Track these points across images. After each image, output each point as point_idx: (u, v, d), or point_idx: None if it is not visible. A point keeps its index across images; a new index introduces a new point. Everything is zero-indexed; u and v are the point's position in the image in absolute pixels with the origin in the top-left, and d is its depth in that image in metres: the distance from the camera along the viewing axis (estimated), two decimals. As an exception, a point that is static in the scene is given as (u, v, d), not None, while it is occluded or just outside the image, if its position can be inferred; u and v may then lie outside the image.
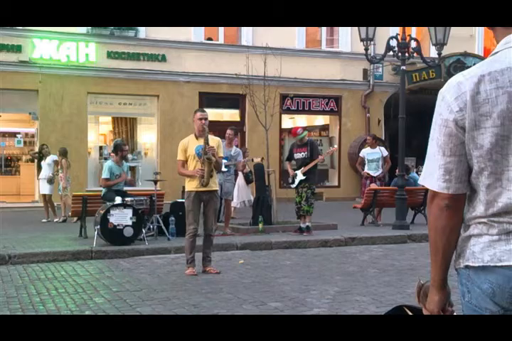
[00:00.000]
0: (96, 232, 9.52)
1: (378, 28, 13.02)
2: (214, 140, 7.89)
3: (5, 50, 16.78)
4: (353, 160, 17.87)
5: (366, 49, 12.40)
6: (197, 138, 7.80)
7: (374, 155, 13.18)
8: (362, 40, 12.35)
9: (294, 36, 19.41)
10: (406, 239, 10.98)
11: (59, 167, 13.83)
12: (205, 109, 8.56)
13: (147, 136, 19.27)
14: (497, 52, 1.94)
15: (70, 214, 11.92)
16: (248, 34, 18.96)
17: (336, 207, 16.85)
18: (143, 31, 18.05)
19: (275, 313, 5.73)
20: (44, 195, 13.99)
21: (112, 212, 9.42)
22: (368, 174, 13.20)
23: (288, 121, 20.47)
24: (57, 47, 17.16)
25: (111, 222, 9.38)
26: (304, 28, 19.69)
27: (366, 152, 13.41)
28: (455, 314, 2.04)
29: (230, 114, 19.97)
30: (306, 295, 6.50)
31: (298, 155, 11.18)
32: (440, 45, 12.31)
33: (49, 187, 13.89)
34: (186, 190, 7.78)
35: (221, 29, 19.24)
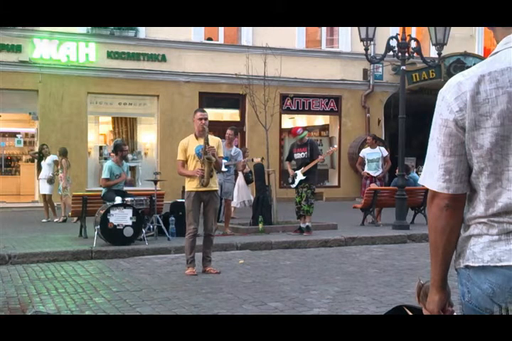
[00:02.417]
0: (96, 232, 9.53)
1: (378, 28, 13.03)
2: (214, 140, 7.89)
3: (5, 50, 16.79)
4: (353, 160, 17.88)
5: (366, 49, 12.39)
6: (197, 138, 7.80)
7: (374, 155, 13.18)
8: (362, 40, 12.34)
9: (294, 36, 19.41)
10: (406, 239, 10.99)
11: (59, 167, 13.84)
12: (205, 109, 8.57)
13: (147, 136, 19.27)
14: (497, 52, 1.94)
15: (70, 214, 11.91)
16: (248, 34, 18.97)
17: (336, 207, 16.85)
18: (143, 31, 18.05)
19: (275, 313, 5.73)
20: (44, 195, 13.99)
21: (111, 212, 9.42)
22: (368, 174, 13.20)
23: (288, 121, 20.47)
24: (57, 47, 17.17)
25: (111, 222, 9.39)
26: (303, 28, 19.70)
27: (366, 152, 13.41)
28: (455, 314, 2.04)
29: (230, 114, 19.97)
30: (306, 295, 6.50)
31: (298, 155, 11.17)
32: (440, 45, 12.30)
33: (49, 187, 13.89)
34: (186, 190, 7.78)
35: (221, 29, 19.24)
